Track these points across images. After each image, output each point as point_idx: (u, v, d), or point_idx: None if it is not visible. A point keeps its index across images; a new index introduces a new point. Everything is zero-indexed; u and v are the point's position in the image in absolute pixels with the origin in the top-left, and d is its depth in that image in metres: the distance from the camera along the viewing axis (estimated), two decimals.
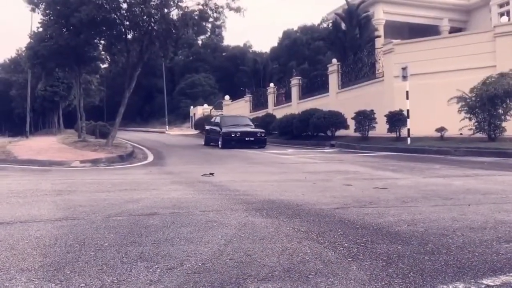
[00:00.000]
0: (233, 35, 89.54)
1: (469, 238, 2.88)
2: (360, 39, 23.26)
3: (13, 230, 3.25)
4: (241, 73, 45.03)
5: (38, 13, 15.46)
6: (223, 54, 61.51)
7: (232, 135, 15.88)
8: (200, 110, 39.74)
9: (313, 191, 5.28)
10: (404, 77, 14.00)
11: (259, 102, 29.75)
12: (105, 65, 32.89)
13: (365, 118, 15.53)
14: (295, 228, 3.28)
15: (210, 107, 38.99)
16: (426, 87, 15.51)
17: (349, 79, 20.82)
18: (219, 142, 16.21)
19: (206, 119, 31.08)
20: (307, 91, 24.46)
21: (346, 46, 22.92)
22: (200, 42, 64.46)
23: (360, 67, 20.33)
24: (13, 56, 47.21)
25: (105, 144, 14.42)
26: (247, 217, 3.70)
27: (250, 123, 18.33)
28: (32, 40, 17.51)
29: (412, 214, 3.72)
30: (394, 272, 2.20)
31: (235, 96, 36.20)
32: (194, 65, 57.14)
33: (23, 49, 20.87)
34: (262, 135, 16.24)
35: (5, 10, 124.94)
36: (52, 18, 15.62)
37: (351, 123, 16.32)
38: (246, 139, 15.74)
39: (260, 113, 26.81)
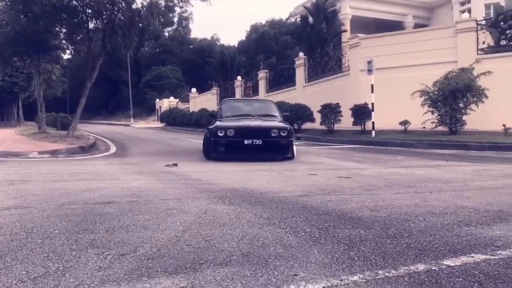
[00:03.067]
0: (201, 28, 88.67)
1: (431, 222, 2.87)
2: (327, 33, 23.41)
3: None
4: (209, 65, 44.52)
5: None
6: (190, 46, 60.73)
7: (220, 134, 8.14)
8: (166, 103, 39.13)
9: (277, 180, 5.22)
10: (370, 71, 14.16)
11: (226, 95, 29.50)
12: (68, 56, 31.86)
13: (330, 112, 15.62)
14: (257, 214, 3.19)
15: (177, 100, 38.48)
16: (390, 81, 15.75)
17: (315, 72, 20.92)
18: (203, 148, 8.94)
19: (172, 111, 30.64)
20: (274, 84, 24.44)
21: (313, 40, 23.01)
22: (167, 34, 63.53)
23: (326, 61, 20.45)
24: None
25: (66, 135, 13.92)
26: (208, 205, 3.59)
27: (276, 112, 9.73)
28: None
29: (375, 201, 3.71)
30: (355, 255, 2.15)
31: (202, 89, 35.80)
32: (161, 57, 56.15)
33: None
34: (283, 134, 8.18)
35: None
36: (8, 3, 14.87)
37: (317, 116, 16.40)
38: (248, 142, 8.00)
39: None
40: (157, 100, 43.29)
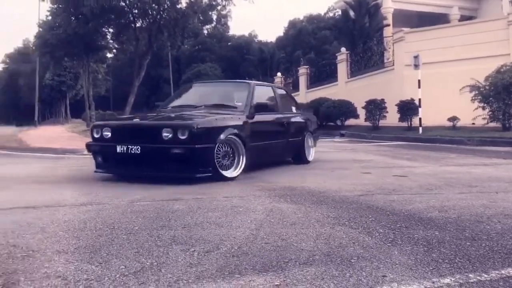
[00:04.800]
0: (238, 25, 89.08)
1: (507, 224, 2.82)
2: (370, 28, 23.02)
3: (41, 214, 3.22)
4: (247, 62, 44.81)
5: (46, 1, 15.37)
6: (229, 43, 61.19)
7: (96, 136, 5.17)
8: None
9: (332, 179, 5.24)
10: (416, 66, 13.85)
11: None
12: (111, 55, 32.84)
13: (375, 107, 15.40)
14: (324, 214, 3.23)
15: None
16: (437, 75, 15.34)
17: (358, 68, 20.65)
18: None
19: None
20: (315, 80, 24.31)
21: (355, 35, 22.70)
22: (206, 31, 64.26)
23: (369, 56, 20.14)
24: (20, 46, 47.19)
25: None
26: (272, 203, 3.66)
27: (248, 99, 5.79)
28: (41, 29, 17.46)
29: (440, 201, 3.66)
30: (438, 257, 2.15)
31: None
32: (200, 55, 56.87)
33: (31, 39, 20.78)
34: (183, 137, 4.59)
35: (12, 1, 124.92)
36: (60, 6, 15.52)
37: (361, 113, 16.20)
38: (121, 149, 4.74)
39: None
40: None
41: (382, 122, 15.50)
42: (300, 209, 3.40)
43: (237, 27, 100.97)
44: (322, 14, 55.96)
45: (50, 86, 34.39)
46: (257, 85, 6.44)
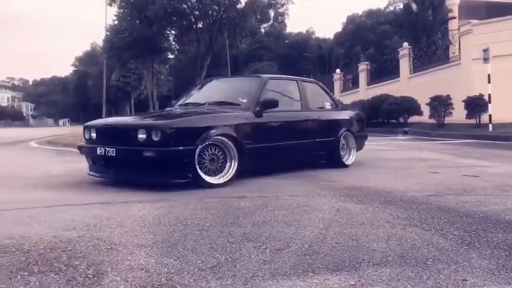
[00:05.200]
0: (295, 22, 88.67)
1: None
2: (433, 21, 22.09)
3: (117, 210, 3.42)
4: (305, 59, 44.55)
5: (114, 6, 16.18)
6: (286, 41, 61.17)
7: (86, 137, 5.04)
8: None
9: (398, 178, 5.11)
10: (485, 59, 13.12)
11: None
12: (172, 56, 33.93)
13: (440, 104, 14.77)
14: (393, 214, 3.17)
15: None
16: (509, 70, 14.43)
17: (421, 63, 19.89)
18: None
19: None
20: (375, 77, 23.73)
21: (418, 29, 21.90)
22: (263, 30, 64.68)
23: (433, 50, 19.33)
24: (89, 49, 49.96)
25: None
26: (338, 203, 3.64)
27: (255, 95, 5.19)
28: (108, 33, 18.42)
29: None
30: None
31: None
32: (258, 54, 57.39)
33: (99, 42, 21.93)
34: (155, 139, 4.20)
35: (80, 7, 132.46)
36: (126, 10, 16.27)
37: (425, 109, 15.59)
38: (100, 151, 4.54)
39: None
40: None
41: (447, 119, 14.84)
42: (367, 209, 3.36)
43: (294, 25, 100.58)
44: (382, 8, 54.39)
45: (116, 86, 36.24)
46: (272, 79, 5.81)
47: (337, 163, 6.12)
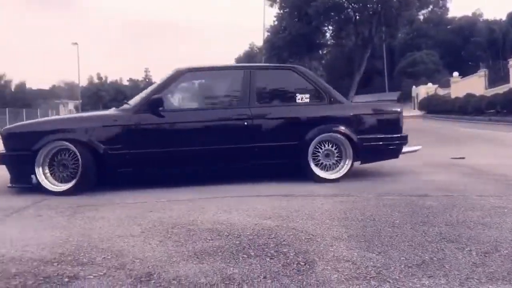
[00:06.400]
0: (458, 5, 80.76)
1: None
2: None
3: (302, 202, 3.60)
4: (471, 45, 40.33)
5: (274, 7, 16.96)
6: (448, 27, 56.15)
7: None
8: (423, 90, 37.32)
9: None
10: None
11: (497, 77, 26.17)
12: (327, 51, 34.04)
13: None
14: None
15: (435, 86, 36.26)
16: None
17: None
18: None
19: (431, 98, 28.93)
20: None
21: None
22: (421, 17, 60.45)
23: None
24: (247, 50, 53.25)
25: None
26: None
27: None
28: (268, 33, 19.43)
29: None
30: None
31: (462, 72, 32.61)
32: (415, 42, 53.80)
33: (255, 43, 23.08)
34: None
35: (238, 11, 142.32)
36: (286, 10, 16.89)
37: None
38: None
39: (500, 89, 23.53)
40: (413, 87, 41.78)
41: None
42: None
43: (457, 8, 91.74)
44: None
45: None
46: (197, 70, 4.89)
47: (306, 175, 4.60)
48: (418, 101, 35.42)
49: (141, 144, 4.36)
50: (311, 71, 5.49)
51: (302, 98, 4.80)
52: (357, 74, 15.20)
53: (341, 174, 4.62)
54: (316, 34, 17.14)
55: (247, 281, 1.90)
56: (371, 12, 14.89)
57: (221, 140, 4.53)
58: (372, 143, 4.75)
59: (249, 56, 55.11)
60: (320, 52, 21.38)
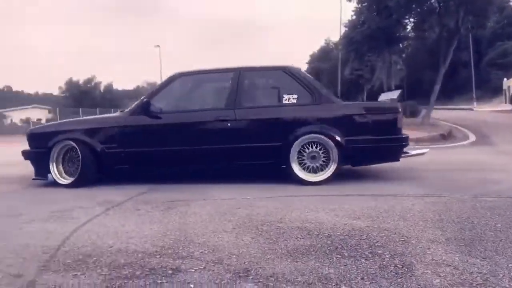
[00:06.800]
0: None
1: None
2: None
3: (391, 202, 3.49)
4: None
5: (352, 2, 16.56)
6: None
7: None
8: None
9: None
10: None
11: None
12: (408, 44, 32.65)
13: None
14: None
15: None
16: None
17: None
18: None
19: None
20: None
21: None
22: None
23: None
24: (323, 45, 52.60)
25: (421, 123, 14.35)
26: None
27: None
28: (346, 29, 19.02)
29: None
30: None
31: None
32: (506, 31, 49.66)
33: (331, 38, 22.66)
34: None
35: (313, 7, 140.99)
36: (365, 4, 16.42)
37: None
38: None
39: None
40: (505, 80, 38.66)
41: None
42: None
43: None
44: None
45: (349, 80, 37.16)
46: (188, 74, 5.05)
47: (290, 175, 4.51)
48: (511, 94, 32.79)
49: (134, 143, 4.73)
50: (304, 72, 5.38)
51: (289, 98, 4.70)
52: (442, 67, 14.36)
53: (325, 177, 4.47)
54: (396, 27, 16.45)
55: (345, 282, 1.89)
56: (457, 2, 13.99)
57: (204, 140, 4.66)
58: (364, 145, 4.53)
59: (324, 52, 54.41)
60: (400, 45, 20.43)
